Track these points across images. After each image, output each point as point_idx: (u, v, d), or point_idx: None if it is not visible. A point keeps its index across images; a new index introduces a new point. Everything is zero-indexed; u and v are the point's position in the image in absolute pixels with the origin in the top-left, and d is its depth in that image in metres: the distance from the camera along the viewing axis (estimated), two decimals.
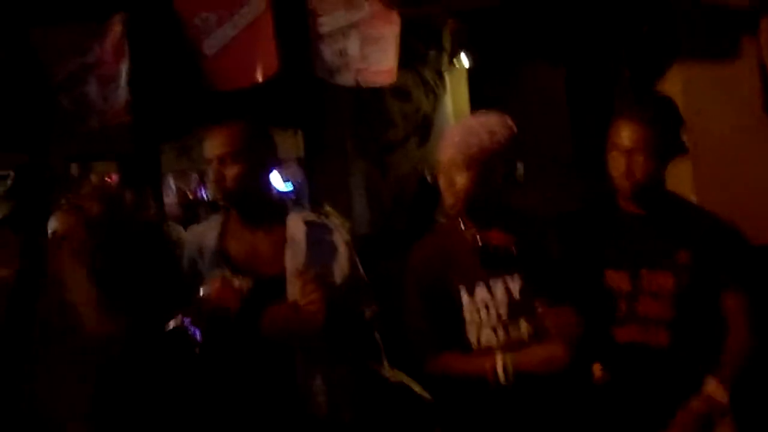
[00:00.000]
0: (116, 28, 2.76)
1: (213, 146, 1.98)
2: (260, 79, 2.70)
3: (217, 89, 2.75)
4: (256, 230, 2.05)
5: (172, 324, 1.73)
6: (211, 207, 6.37)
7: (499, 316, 1.85)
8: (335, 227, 2.12)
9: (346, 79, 2.79)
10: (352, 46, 2.73)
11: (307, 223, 2.06)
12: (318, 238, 2.05)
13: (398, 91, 4.42)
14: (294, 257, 2.00)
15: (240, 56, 2.68)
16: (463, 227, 1.89)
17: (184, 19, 2.71)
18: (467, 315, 1.87)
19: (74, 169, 5.26)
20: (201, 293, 1.81)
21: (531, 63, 3.94)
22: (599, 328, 1.84)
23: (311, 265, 1.98)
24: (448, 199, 1.85)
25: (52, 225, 1.97)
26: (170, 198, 7.17)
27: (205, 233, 2.07)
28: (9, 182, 3.87)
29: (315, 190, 5.15)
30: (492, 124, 1.83)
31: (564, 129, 4.28)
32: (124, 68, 2.79)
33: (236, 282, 1.84)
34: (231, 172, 1.95)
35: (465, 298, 1.87)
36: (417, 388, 2.06)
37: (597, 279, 1.90)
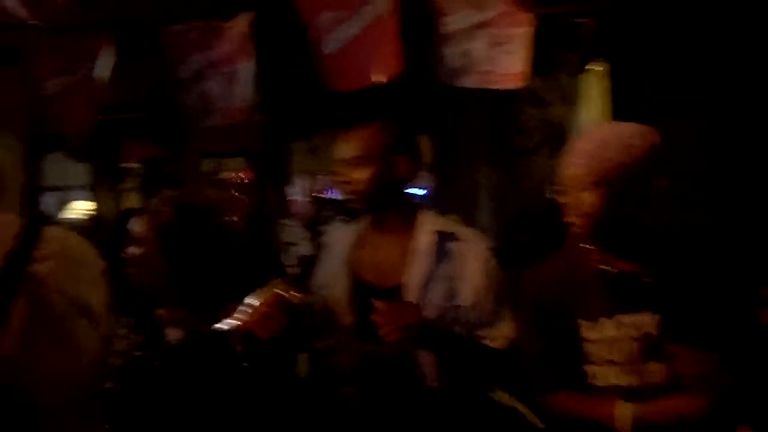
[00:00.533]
0: (241, 27, 2.77)
1: (344, 148, 1.93)
2: (382, 80, 2.59)
3: (335, 89, 2.67)
4: (386, 237, 1.96)
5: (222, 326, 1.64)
6: (340, 209, 6.48)
7: (627, 356, 1.60)
8: (469, 239, 1.96)
9: (470, 81, 2.63)
10: (478, 47, 2.56)
11: (436, 234, 1.93)
12: (446, 250, 1.91)
13: (531, 96, 4.21)
14: (415, 271, 1.89)
15: (360, 56, 2.59)
16: (589, 253, 1.66)
17: (307, 18, 2.66)
18: (589, 352, 1.64)
19: (207, 164, 5.45)
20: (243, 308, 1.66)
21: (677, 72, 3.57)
22: (751, 382, 1.55)
23: (432, 281, 1.87)
24: (573, 219, 1.63)
25: (132, 228, 1.90)
26: (299, 197, 7.37)
27: (341, 235, 2.03)
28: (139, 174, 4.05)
29: (440, 197, 5.04)
30: (629, 135, 1.57)
31: (708, 143, 3.87)
32: (247, 67, 2.79)
33: (289, 296, 1.67)
34: (359, 175, 1.89)
35: (587, 332, 1.64)
36: (528, 415, 1.93)
37: (753, 321, 1.60)
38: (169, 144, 5.42)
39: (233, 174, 5.57)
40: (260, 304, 1.62)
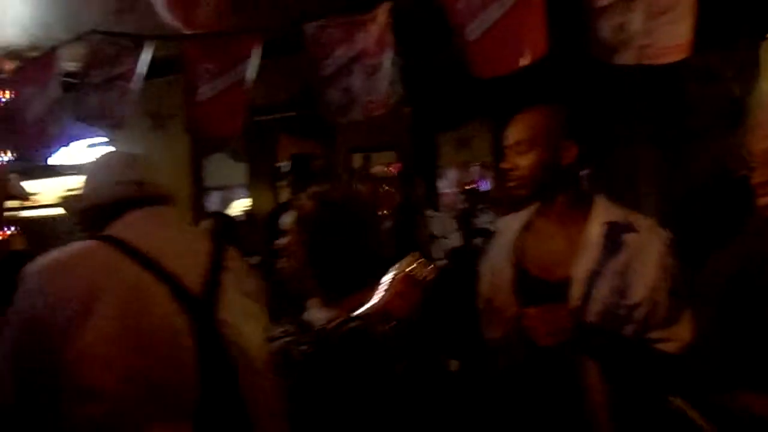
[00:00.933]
0: (380, 18, 2.71)
1: (508, 134, 1.86)
2: (526, 63, 2.42)
3: (481, 76, 2.54)
4: (554, 227, 1.86)
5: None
6: (490, 200, 6.35)
7: None
8: (647, 231, 1.79)
9: (627, 57, 2.38)
10: (635, 19, 2.31)
11: (608, 224, 1.78)
12: (619, 242, 1.75)
13: (700, 71, 3.84)
14: (583, 263, 1.75)
15: (505, 40, 2.43)
16: None
17: (448, 5, 2.55)
18: None
19: (357, 159, 5.51)
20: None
21: None
22: None
23: (601, 276, 1.73)
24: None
25: (282, 221, 2.04)
26: (449, 188, 7.30)
27: (510, 223, 1.96)
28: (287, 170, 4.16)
29: (600, 183, 4.75)
30: None
31: None
32: (387, 58, 2.73)
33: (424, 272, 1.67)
34: (524, 161, 1.82)
35: None
36: (697, 417, 1.71)
37: None
38: (320, 140, 5.56)
39: (382, 168, 5.59)
40: (393, 282, 1.64)
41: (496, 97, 3.44)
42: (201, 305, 1.47)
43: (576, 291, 1.72)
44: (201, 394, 1.40)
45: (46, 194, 5.63)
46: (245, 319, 1.56)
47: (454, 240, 4.86)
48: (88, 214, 1.64)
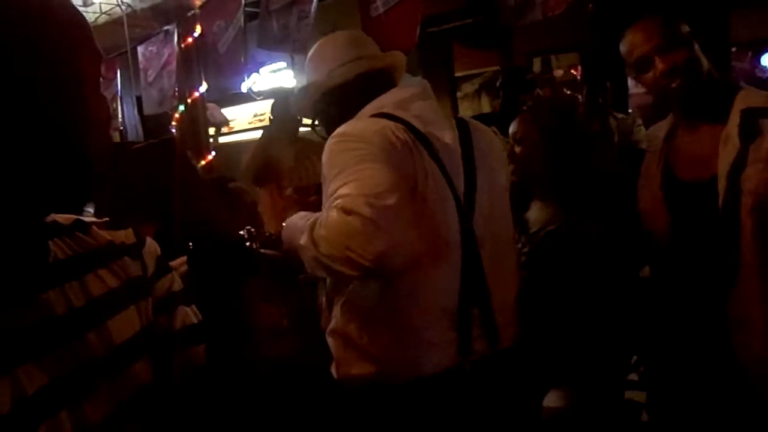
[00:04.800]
0: None
1: (641, 42, 1.74)
2: None
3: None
4: (700, 126, 1.75)
5: None
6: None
7: None
8: None
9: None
10: None
11: (745, 112, 1.63)
12: (755, 127, 1.60)
13: None
14: (724, 158, 1.63)
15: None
16: None
17: None
18: None
19: (537, 64, 5.26)
20: None
21: None
22: None
23: (744, 165, 1.59)
24: None
25: (512, 127, 2.15)
26: (638, 87, 6.76)
27: (657, 132, 1.88)
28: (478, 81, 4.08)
29: None
30: None
31: None
32: None
33: None
34: (660, 66, 1.69)
35: None
36: None
37: None
38: (496, 47, 5.35)
39: (564, 71, 5.30)
40: None
41: None
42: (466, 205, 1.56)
43: (720, 186, 1.62)
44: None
45: (239, 120, 6.01)
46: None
47: (639, 136, 4.55)
48: (325, 99, 1.69)
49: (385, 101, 1.58)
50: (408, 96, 1.60)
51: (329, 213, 1.36)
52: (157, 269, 0.92)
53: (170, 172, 0.90)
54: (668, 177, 1.77)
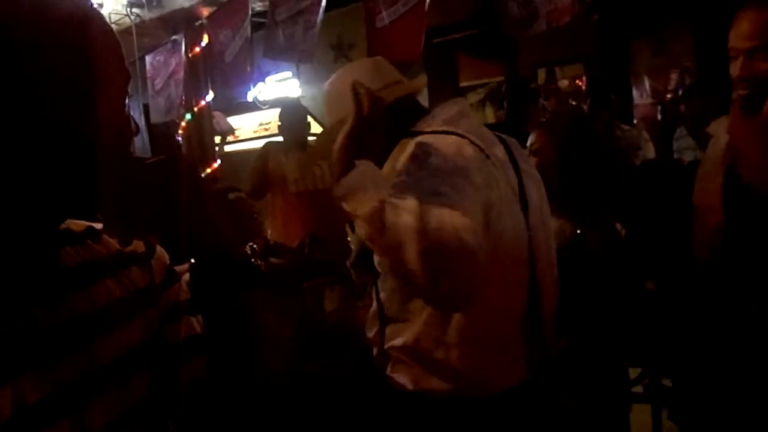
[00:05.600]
0: None
1: (739, 36, 1.64)
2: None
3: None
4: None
5: None
6: (692, 110, 5.79)
7: None
8: None
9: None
10: None
11: None
12: None
13: None
14: None
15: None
16: None
17: None
18: None
19: (541, 75, 5.27)
20: None
21: None
22: None
23: None
24: None
25: (530, 139, 2.15)
26: (644, 98, 6.76)
27: (719, 128, 1.79)
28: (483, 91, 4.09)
29: None
30: None
31: None
32: None
33: None
34: (761, 66, 1.59)
35: None
36: None
37: None
38: (501, 58, 5.37)
39: (569, 82, 5.30)
40: None
41: None
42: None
43: None
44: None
45: (244, 129, 6.03)
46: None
47: (647, 152, 4.54)
48: (361, 127, 1.55)
49: (432, 120, 1.55)
50: (454, 113, 1.57)
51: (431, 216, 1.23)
52: (165, 278, 0.93)
53: (177, 188, 0.91)
54: (730, 177, 1.68)
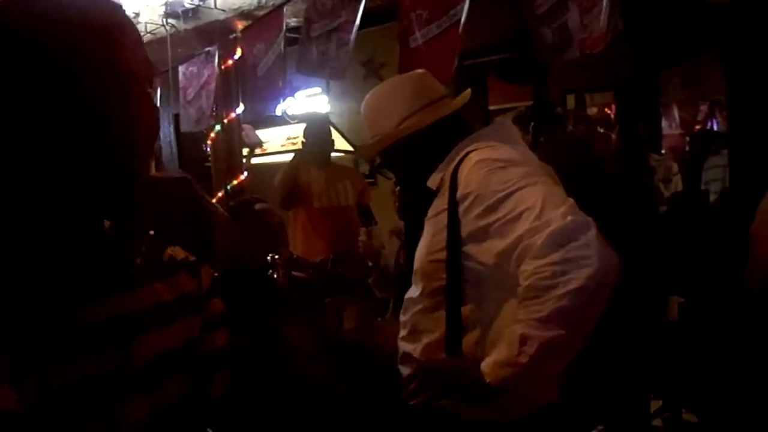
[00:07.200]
0: None
1: None
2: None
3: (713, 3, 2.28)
4: None
5: None
6: (723, 138, 5.75)
7: None
8: None
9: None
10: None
11: None
12: None
13: None
14: None
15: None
16: None
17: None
18: None
19: (570, 101, 5.26)
20: None
21: None
22: None
23: None
24: None
25: None
26: (672, 128, 6.71)
27: None
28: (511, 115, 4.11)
29: None
30: None
31: None
32: None
33: None
34: None
35: None
36: None
37: None
38: (531, 82, 5.37)
39: (599, 109, 5.29)
40: None
41: (726, 27, 3.06)
42: None
43: None
44: None
45: (272, 143, 6.09)
46: None
47: (677, 184, 4.51)
48: (398, 148, 1.65)
49: (479, 140, 1.58)
50: (501, 133, 1.62)
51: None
52: (211, 289, 0.95)
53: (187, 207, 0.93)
54: None
